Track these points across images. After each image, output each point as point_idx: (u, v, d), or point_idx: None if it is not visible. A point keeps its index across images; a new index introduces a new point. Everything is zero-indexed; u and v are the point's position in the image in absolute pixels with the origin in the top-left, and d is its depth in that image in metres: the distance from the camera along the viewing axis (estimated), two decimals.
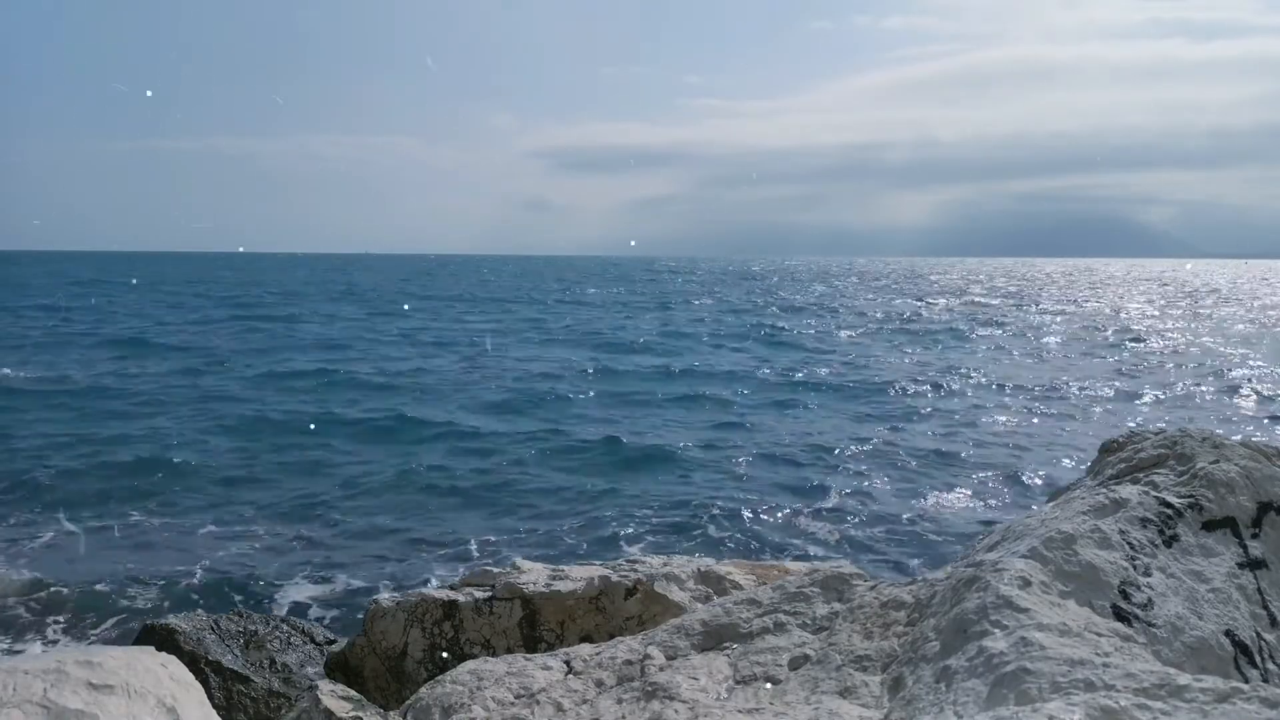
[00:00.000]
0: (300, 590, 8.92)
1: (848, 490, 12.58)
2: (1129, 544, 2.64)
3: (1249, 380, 22.86)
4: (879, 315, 45.46)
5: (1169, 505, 2.82)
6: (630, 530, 10.78)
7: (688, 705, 2.45)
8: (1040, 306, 53.70)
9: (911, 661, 2.29)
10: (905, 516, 11.36)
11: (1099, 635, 2.07)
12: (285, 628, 5.56)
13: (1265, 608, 2.66)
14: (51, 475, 12.56)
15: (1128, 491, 2.91)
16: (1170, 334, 36.24)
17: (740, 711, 2.37)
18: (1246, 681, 2.26)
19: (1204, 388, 22.02)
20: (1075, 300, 61.95)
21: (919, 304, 54.50)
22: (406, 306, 49.18)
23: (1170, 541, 2.71)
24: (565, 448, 15.11)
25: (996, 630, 2.11)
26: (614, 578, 4.08)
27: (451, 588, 4.34)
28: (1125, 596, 2.47)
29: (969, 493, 12.54)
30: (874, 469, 13.79)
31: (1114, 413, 18.79)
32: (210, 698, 3.05)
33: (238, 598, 8.55)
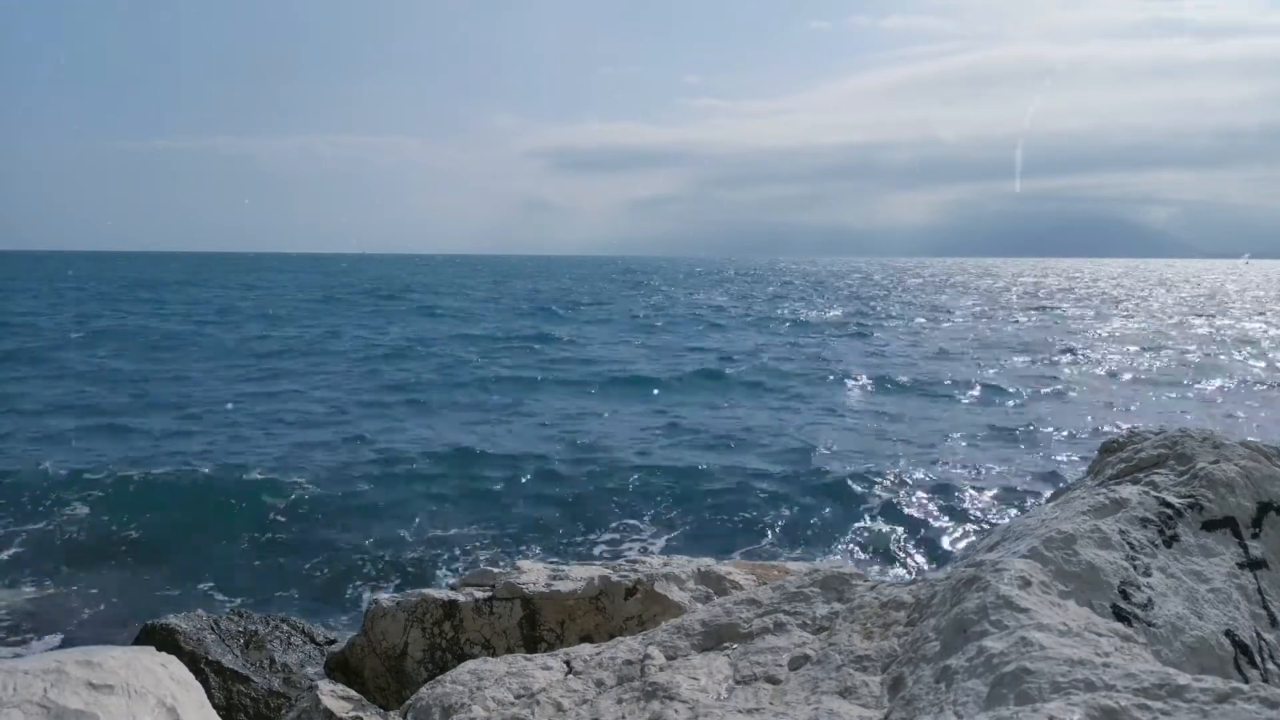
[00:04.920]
0: (300, 590, 8.92)
1: (850, 490, 12.58)
2: (1129, 544, 2.64)
3: None
4: None
5: (1169, 505, 2.82)
6: (630, 530, 10.79)
7: (688, 705, 2.45)
8: None
9: (911, 661, 2.29)
10: (906, 517, 11.37)
11: (1099, 635, 2.07)
12: (285, 628, 5.56)
13: (1265, 608, 2.66)
14: (49, 474, 12.56)
15: (1128, 491, 2.91)
16: None
17: (740, 711, 2.37)
18: (1246, 681, 2.26)
19: None
20: None
21: None
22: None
23: (1170, 541, 2.71)
24: (565, 441, 15.12)
25: (996, 630, 2.11)
26: (614, 578, 4.08)
27: (451, 588, 4.34)
28: (1125, 596, 2.47)
29: (972, 493, 12.54)
30: (877, 469, 13.79)
31: None
32: (210, 698, 3.05)
33: (238, 598, 8.55)
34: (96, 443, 14.77)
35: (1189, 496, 2.87)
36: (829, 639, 2.64)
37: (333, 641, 5.37)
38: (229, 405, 18.46)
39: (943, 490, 12.59)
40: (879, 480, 13.07)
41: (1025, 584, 2.31)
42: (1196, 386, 22.35)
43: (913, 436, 16.20)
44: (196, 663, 4.78)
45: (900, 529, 10.90)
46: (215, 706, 3.34)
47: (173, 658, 2.74)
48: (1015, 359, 27.86)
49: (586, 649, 3.04)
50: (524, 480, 12.95)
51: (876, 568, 9.60)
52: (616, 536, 10.55)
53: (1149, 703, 1.69)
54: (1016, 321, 43.30)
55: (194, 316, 41.44)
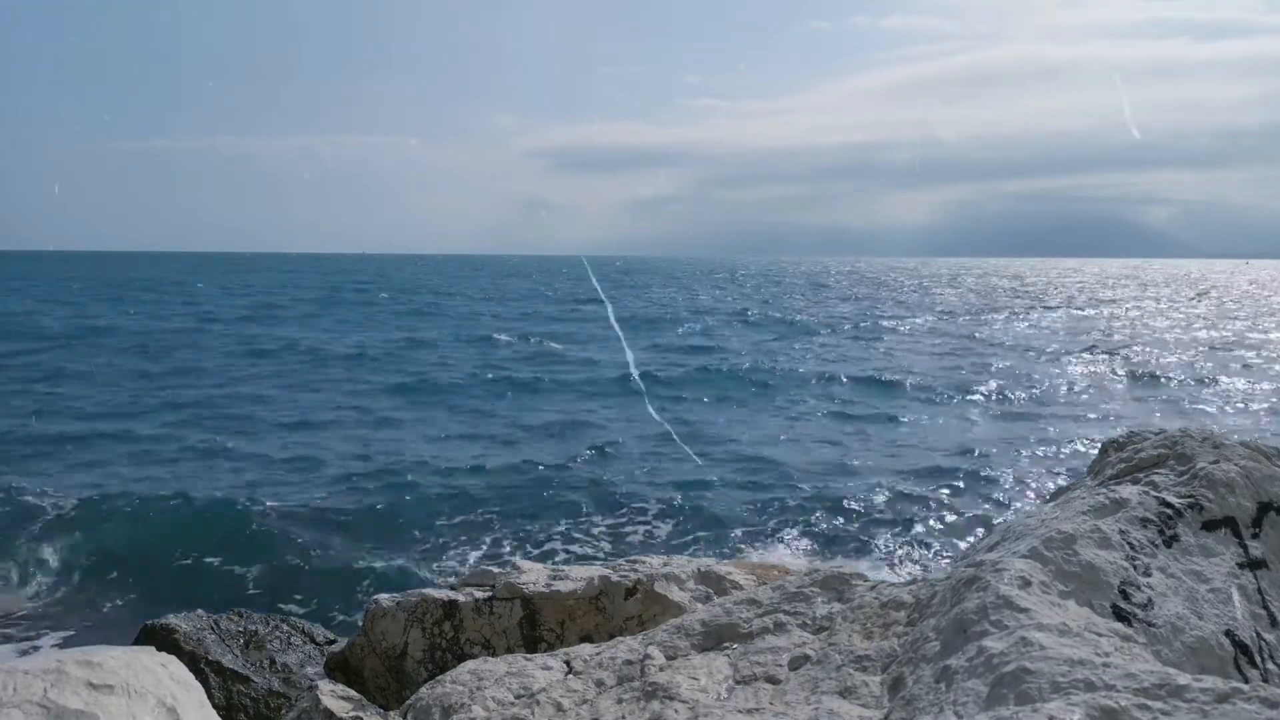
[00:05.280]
0: (300, 590, 8.92)
1: (850, 490, 12.57)
2: (1129, 544, 2.64)
3: None
4: None
5: (1169, 505, 2.82)
6: (631, 529, 10.78)
7: (688, 705, 2.45)
8: None
9: (911, 661, 2.29)
10: (906, 517, 11.36)
11: (1099, 635, 2.07)
12: (285, 628, 5.56)
13: (1265, 608, 2.66)
14: (49, 475, 12.56)
15: (1128, 491, 2.91)
16: None
17: (740, 711, 2.37)
18: (1246, 681, 2.26)
19: None
20: None
21: None
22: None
23: (1170, 541, 2.71)
24: (564, 442, 15.11)
25: (996, 630, 2.11)
26: (614, 578, 4.08)
27: (451, 588, 4.34)
28: (1125, 596, 2.47)
29: (972, 493, 12.54)
30: (878, 469, 13.78)
31: None
32: (210, 698, 3.05)
33: (238, 598, 8.55)
34: (96, 444, 14.77)
35: (1189, 496, 2.87)
36: (829, 639, 2.64)
37: (333, 641, 5.37)
38: (228, 406, 18.46)
39: (944, 490, 12.59)
40: (880, 480, 13.07)
41: (1025, 584, 2.31)
42: (1202, 386, 22.34)
43: (914, 437, 16.20)
44: (196, 663, 4.78)
45: (900, 529, 10.89)
46: (215, 706, 3.34)
47: (173, 658, 2.73)
48: (1020, 359, 27.86)
49: (586, 649, 3.04)
50: (524, 480, 12.95)
51: (876, 568, 9.60)
52: (617, 536, 10.54)
53: (1149, 703, 1.69)
54: (1023, 321, 43.32)
55: (194, 317, 41.45)
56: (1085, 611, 2.27)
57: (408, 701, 3.04)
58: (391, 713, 3.25)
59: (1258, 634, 2.56)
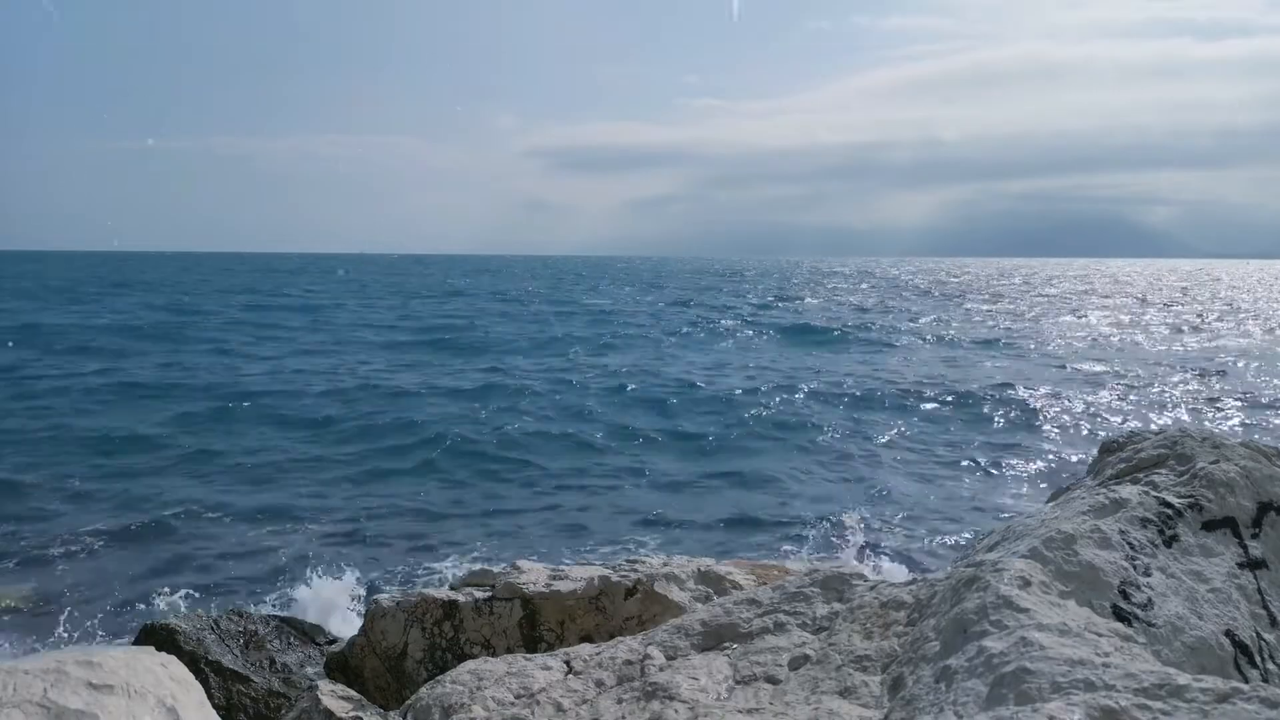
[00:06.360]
0: (300, 590, 8.92)
1: (850, 490, 12.57)
2: (1129, 544, 2.64)
3: None
4: None
5: (1169, 505, 2.82)
6: (631, 529, 10.78)
7: (688, 705, 2.45)
8: None
9: (911, 661, 2.29)
10: (907, 517, 11.36)
11: (1099, 635, 2.07)
12: (285, 628, 5.56)
13: (1265, 608, 2.66)
14: (52, 474, 12.55)
15: (1128, 491, 2.91)
16: None
17: (740, 711, 2.37)
18: (1246, 681, 2.26)
19: None
20: None
21: None
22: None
23: (1170, 541, 2.71)
24: (565, 443, 15.11)
25: (996, 630, 2.11)
26: (614, 578, 4.09)
27: (451, 588, 4.35)
28: (1125, 596, 2.47)
29: (973, 492, 12.53)
30: (877, 470, 13.78)
31: None
32: (210, 698, 3.05)
33: (238, 598, 8.55)
34: (98, 442, 14.76)
35: (1189, 496, 2.87)
36: (829, 639, 2.64)
37: (333, 641, 5.38)
38: (225, 407, 18.45)
39: (944, 491, 12.59)
40: (880, 480, 13.07)
41: (1025, 584, 2.31)
42: (1211, 388, 22.34)
43: (916, 437, 16.20)
44: (196, 663, 4.78)
45: (900, 529, 10.89)
46: (215, 706, 3.34)
47: (173, 658, 2.73)
48: (1030, 360, 27.85)
49: (586, 649, 3.04)
50: (523, 481, 12.95)
51: (876, 568, 9.59)
52: (616, 536, 10.54)
53: (1149, 703, 1.69)
54: (1036, 322, 43.32)
55: (193, 314, 41.47)
56: (1085, 611, 2.27)
57: (408, 701, 3.04)
58: (391, 713, 3.25)
59: (1258, 634, 2.57)
